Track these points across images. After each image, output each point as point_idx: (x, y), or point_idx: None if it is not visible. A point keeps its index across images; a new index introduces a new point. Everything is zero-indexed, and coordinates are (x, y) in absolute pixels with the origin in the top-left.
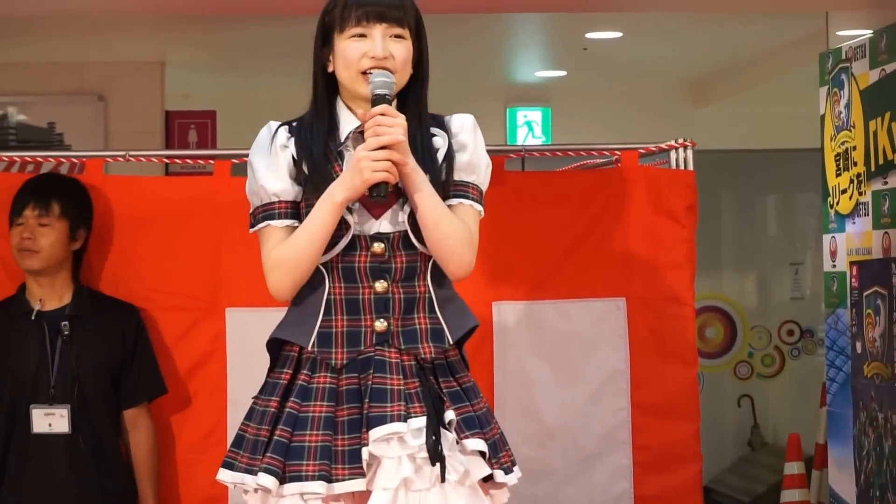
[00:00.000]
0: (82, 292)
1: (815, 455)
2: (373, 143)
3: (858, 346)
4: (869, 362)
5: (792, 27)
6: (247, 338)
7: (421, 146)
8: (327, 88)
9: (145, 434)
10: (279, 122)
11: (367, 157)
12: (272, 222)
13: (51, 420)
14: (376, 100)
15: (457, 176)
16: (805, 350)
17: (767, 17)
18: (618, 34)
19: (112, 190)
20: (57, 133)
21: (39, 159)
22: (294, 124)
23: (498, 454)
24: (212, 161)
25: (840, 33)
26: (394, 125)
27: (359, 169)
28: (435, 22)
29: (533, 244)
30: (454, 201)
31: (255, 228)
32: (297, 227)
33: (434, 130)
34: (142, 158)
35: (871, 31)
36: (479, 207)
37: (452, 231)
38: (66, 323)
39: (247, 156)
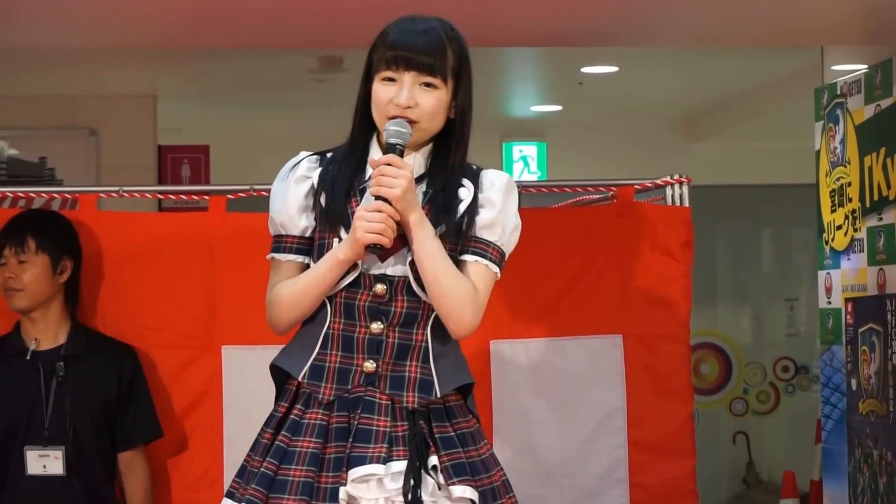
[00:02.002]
0: (79, 332)
1: (810, 492)
2: (372, 206)
3: (854, 382)
4: (864, 399)
5: (787, 62)
6: (243, 376)
7: (443, 196)
8: (366, 124)
9: (141, 477)
10: (309, 152)
11: (363, 217)
12: (277, 255)
13: (45, 462)
14: (387, 149)
15: (477, 233)
16: (800, 386)
17: (762, 52)
18: (613, 69)
19: (105, 226)
20: (48, 168)
21: (32, 195)
22: (328, 154)
23: (495, 501)
24: (206, 197)
25: (835, 68)
26: (397, 176)
27: (354, 227)
28: None
29: (529, 281)
30: (470, 258)
31: (268, 257)
32: (300, 261)
33: (463, 181)
34: (136, 194)
35: (867, 67)
36: (496, 269)
37: (453, 288)
38: (62, 363)
39: (242, 191)
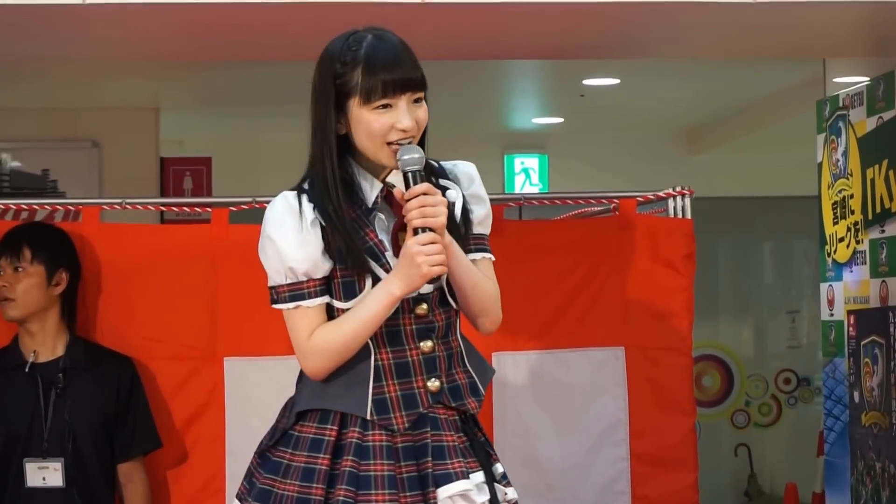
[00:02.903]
0: (77, 343)
1: None
2: (426, 238)
3: (856, 395)
4: (867, 411)
5: (789, 74)
6: (246, 387)
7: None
8: (340, 152)
9: (140, 488)
10: (294, 192)
11: (422, 251)
12: (303, 303)
13: (45, 474)
14: (411, 177)
15: (475, 229)
16: (802, 399)
17: (764, 64)
18: (615, 81)
19: (108, 238)
20: (51, 180)
21: (35, 206)
22: (305, 188)
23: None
24: (209, 209)
25: (837, 80)
26: (437, 204)
27: (416, 263)
28: (431, 68)
29: (531, 293)
30: (476, 255)
31: (283, 307)
32: (326, 302)
33: (445, 183)
34: (139, 206)
35: (868, 79)
36: (492, 257)
37: (486, 291)
38: (60, 375)
39: (244, 203)
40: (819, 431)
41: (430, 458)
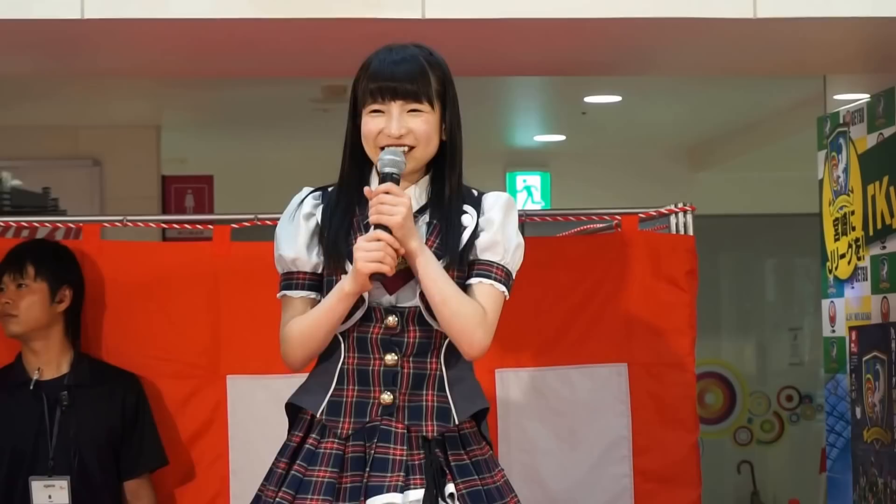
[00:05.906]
0: (82, 361)
1: None
2: (370, 236)
3: (858, 411)
4: (869, 427)
5: (789, 91)
6: (249, 405)
7: (446, 221)
8: (359, 158)
9: None
10: (311, 188)
11: (362, 247)
12: (288, 293)
13: (51, 492)
14: (383, 178)
15: (480, 255)
16: (804, 415)
17: (765, 82)
18: (617, 98)
19: (109, 256)
20: (52, 198)
21: (36, 224)
22: (329, 189)
23: None
24: (210, 226)
25: (837, 97)
26: (396, 204)
27: (354, 259)
28: None
29: (534, 310)
30: (475, 280)
31: (278, 296)
32: (313, 297)
33: (465, 207)
34: (140, 223)
35: (869, 96)
36: (502, 288)
37: (461, 310)
38: (66, 393)
39: (246, 221)
40: (821, 448)
41: (369, 470)
